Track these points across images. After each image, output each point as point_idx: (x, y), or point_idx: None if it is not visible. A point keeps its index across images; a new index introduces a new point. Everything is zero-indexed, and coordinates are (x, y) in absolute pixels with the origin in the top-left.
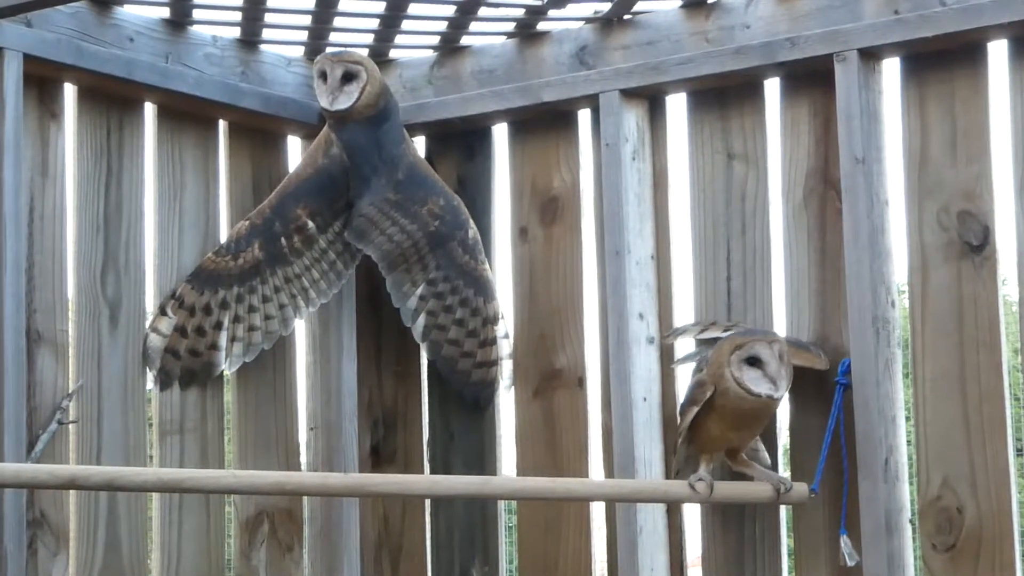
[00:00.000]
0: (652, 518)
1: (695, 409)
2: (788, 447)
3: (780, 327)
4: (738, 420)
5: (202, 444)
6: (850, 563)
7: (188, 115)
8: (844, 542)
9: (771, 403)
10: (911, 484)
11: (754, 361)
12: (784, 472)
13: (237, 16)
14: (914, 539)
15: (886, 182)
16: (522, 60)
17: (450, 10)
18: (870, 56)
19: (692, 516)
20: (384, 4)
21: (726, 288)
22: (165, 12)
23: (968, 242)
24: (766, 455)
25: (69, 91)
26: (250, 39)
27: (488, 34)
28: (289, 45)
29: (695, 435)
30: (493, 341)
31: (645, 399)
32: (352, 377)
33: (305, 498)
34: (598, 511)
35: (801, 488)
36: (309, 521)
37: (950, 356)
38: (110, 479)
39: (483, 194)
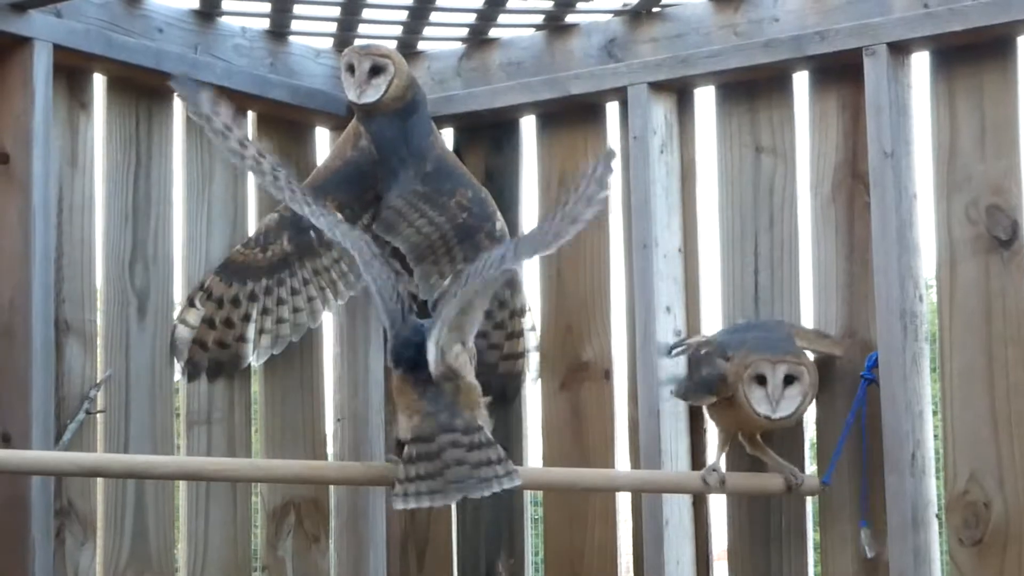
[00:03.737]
0: (678, 511)
1: (712, 399)
2: (815, 441)
3: (808, 321)
4: (755, 428)
5: (229, 435)
6: (870, 554)
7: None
8: (864, 533)
9: (781, 422)
10: (938, 478)
11: (761, 380)
12: (810, 466)
13: (266, 7)
14: (940, 533)
15: (914, 176)
16: (550, 52)
17: (478, 2)
18: (899, 50)
19: (718, 508)
20: None
21: (753, 281)
22: (194, 3)
23: (996, 236)
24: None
25: (98, 81)
26: (279, 30)
27: (517, 26)
28: (318, 37)
29: (718, 416)
30: (520, 333)
31: (672, 391)
32: (379, 368)
33: (331, 489)
34: (624, 503)
35: (813, 481)
36: (335, 512)
37: (978, 350)
38: (132, 467)
39: (511, 186)
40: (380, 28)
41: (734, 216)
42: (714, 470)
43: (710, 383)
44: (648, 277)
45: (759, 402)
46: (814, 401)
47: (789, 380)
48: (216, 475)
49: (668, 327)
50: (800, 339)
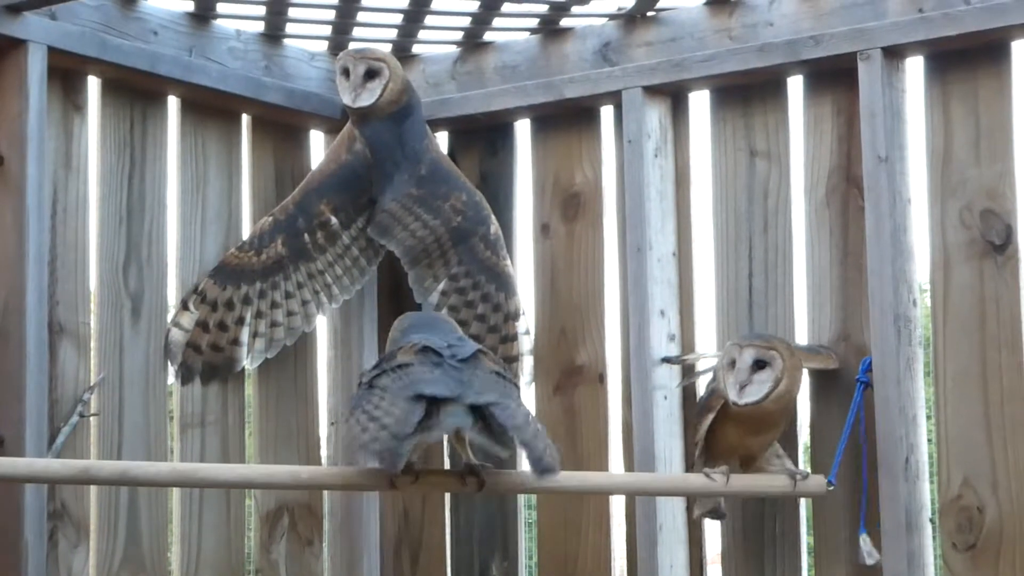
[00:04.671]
0: (672, 515)
1: (710, 416)
2: (808, 445)
3: (802, 325)
4: (749, 425)
5: (223, 438)
6: (869, 562)
7: (211, 109)
8: (863, 540)
9: (768, 407)
10: (931, 483)
11: (733, 365)
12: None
13: (261, 10)
14: (934, 538)
15: (909, 180)
16: (545, 56)
17: (473, 6)
18: (894, 54)
19: None
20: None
21: (748, 285)
22: (189, 6)
23: (991, 241)
24: (790, 463)
25: (93, 84)
26: (274, 33)
27: (511, 30)
28: (312, 40)
29: (712, 443)
30: (514, 337)
31: (666, 396)
32: None
33: (325, 492)
34: (618, 508)
35: (818, 479)
36: (329, 515)
37: (972, 355)
38: (123, 471)
39: (505, 190)
40: (375, 31)
41: (728, 220)
42: (716, 469)
43: (703, 401)
44: (642, 281)
45: (729, 387)
46: (809, 406)
47: (760, 365)
48: (207, 477)
49: (662, 331)
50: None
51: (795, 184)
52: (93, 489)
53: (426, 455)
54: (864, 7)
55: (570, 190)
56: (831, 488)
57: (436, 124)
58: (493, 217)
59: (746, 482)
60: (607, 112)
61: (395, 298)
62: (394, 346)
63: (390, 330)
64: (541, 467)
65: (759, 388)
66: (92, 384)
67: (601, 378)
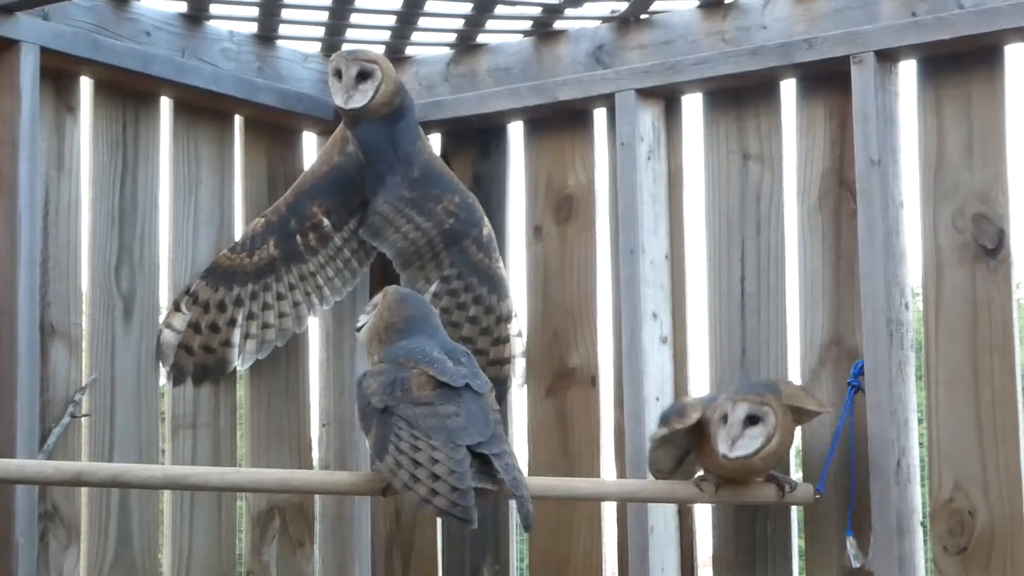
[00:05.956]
0: (663, 518)
1: (664, 431)
2: (800, 449)
3: (794, 329)
4: (728, 474)
5: (214, 439)
6: (855, 564)
7: (204, 110)
8: (849, 543)
9: (754, 464)
10: (923, 486)
11: (725, 419)
12: (796, 473)
13: (254, 12)
14: (925, 541)
15: (901, 184)
16: (538, 58)
17: (467, 8)
18: (887, 58)
19: (703, 516)
20: (401, 1)
21: (740, 289)
22: (182, 7)
23: (983, 245)
24: (779, 473)
25: (85, 85)
26: (267, 35)
27: (505, 32)
28: (306, 41)
29: (702, 455)
30: (506, 339)
31: (658, 399)
32: None
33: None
34: (609, 511)
35: (806, 488)
36: (320, 517)
37: (963, 359)
38: (116, 475)
39: (498, 192)
40: (368, 33)
41: (721, 223)
42: (706, 479)
43: (677, 409)
44: (634, 283)
45: (720, 441)
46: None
47: (753, 420)
48: (199, 482)
49: (654, 334)
50: (784, 389)
51: (788, 187)
52: (84, 490)
53: None
54: (857, 10)
55: (563, 192)
56: (819, 496)
57: (429, 126)
58: (486, 219)
59: (734, 491)
60: (600, 115)
61: None
62: (396, 336)
63: (382, 304)
64: (527, 522)
65: (751, 443)
66: (84, 385)
67: (593, 381)
